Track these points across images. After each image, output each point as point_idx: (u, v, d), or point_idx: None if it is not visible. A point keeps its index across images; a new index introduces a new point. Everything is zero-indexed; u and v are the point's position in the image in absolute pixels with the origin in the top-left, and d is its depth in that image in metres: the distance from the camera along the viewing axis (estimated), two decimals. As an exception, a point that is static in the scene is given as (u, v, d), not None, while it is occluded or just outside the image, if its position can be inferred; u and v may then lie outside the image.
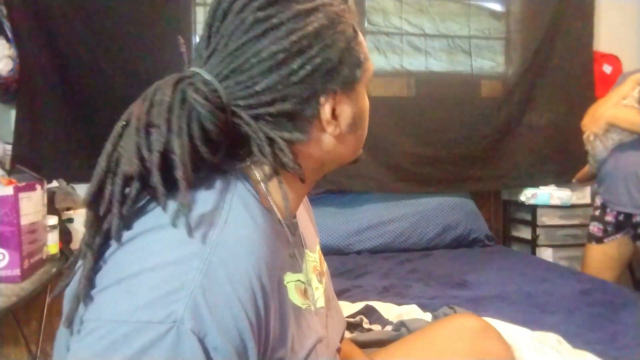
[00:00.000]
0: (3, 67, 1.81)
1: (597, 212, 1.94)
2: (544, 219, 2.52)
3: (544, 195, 2.45)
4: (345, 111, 0.58)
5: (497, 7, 2.67)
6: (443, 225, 2.34)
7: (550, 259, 2.47)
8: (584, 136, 1.88)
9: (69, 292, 0.49)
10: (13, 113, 2.00)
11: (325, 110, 0.56)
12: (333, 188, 2.38)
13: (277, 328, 0.51)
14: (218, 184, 0.53)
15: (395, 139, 2.45)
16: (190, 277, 0.43)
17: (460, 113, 2.56)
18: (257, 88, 0.52)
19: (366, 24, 2.51)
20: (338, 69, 0.55)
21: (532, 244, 2.55)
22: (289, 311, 0.54)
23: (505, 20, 2.69)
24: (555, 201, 2.45)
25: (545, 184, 2.52)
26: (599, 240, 1.92)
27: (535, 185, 2.50)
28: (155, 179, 0.48)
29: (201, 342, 0.41)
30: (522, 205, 2.58)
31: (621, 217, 1.84)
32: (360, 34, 0.60)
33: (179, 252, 0.45)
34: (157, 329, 0.41)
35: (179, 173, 0.48)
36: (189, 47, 0.61)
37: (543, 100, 2.59)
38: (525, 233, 2.65)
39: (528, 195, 2.50)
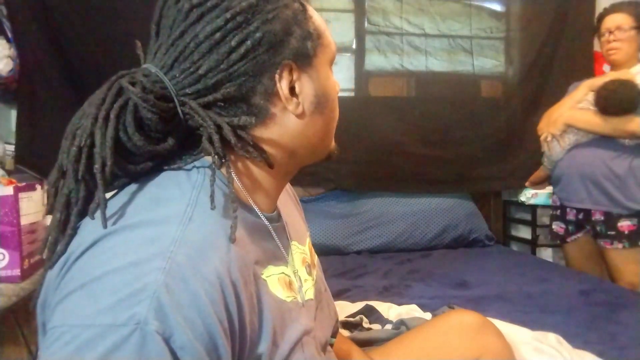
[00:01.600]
0: (3, 67, 1.82)
1: (558, 212, 1.98)
2: (544, 219, 2.51)
3: (544, 195, 2.45)
4: (307, 88, 0.57)
5: (498, 7, 2.67)
6: (443, 225, 2.34)
7: (550, 259, 2.47)
8: (541, 138, 1.95)
9: (39, 302, 0.50)
10: (13, 113, 2.00)
11: (283, 86, 0.55)
12: (333, 188, 2.38)
13: (255, 323, 0.51)
14: (183, 179, 0.53)
15: (395, 138, 2.45)
16: (152, 277, 0.42)
17: (461, 113, 2.56)
18: (200, 72, 0.51)
19: (366, 24, 2.51)
20: (284, 42, 0.54)
21: (532, 244, 2.56)
22: (269, 305, 0.53)
23: (505, 20, 2.69)
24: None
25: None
26: (563, 239, 1.97)
27: (546, 184, 2.50)
28: (72, 178, 0.50)
29: (167, 342, 0.41)
30: (522, 205, 2.58)
31: (580, 216, 1.87)
32: (310, 8, 0.59)
33: (141, 253, 0.44)
34: (121, 331, 0.40)
35: (96, 167, 0.48)
36: None
37: (543, 100, 2.59)
38: (525, 233, 2.65)
39: (528, 195, 2.50)
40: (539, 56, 2.59)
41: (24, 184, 1.20)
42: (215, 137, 0.51)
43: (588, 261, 1.92)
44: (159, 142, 0.52)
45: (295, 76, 0.56)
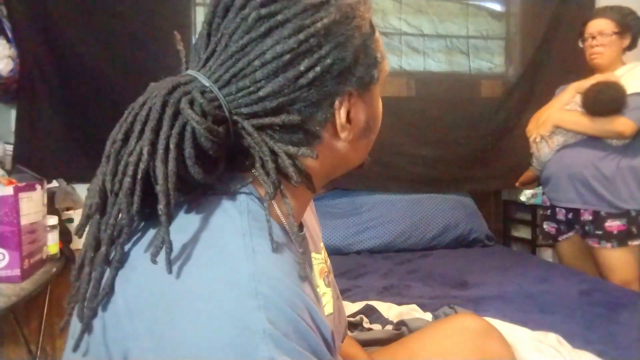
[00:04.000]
0: (3, 67, 1.82)
1: (548, 212, 2.01)
2: (544, 219, 2.52)
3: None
4: (360, 114, 0.54)
5: (497, 7, 2.68)
6: (443, 225, 2.34)
7: (550, 259, 2.47)
8: (530, 139, 1.98)
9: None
10: (13, 113, 2.00)
11: (341, 114, 0.51)
12: (333, 188, 2.38)
13: None
14: (229, 205, 0.48)
15: (394, 139, 2.45)
16: (254, 318, 0.40)
17: (460, 113, 2.56)
18: (262, 93, 0.47)
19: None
20: (352, 70, 0.50)
21: (532, 244, 2.56)
22: None
23: (505, 21, 2.69)
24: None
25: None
26: (554, 238, 2.00)
27: (535, 185, 2.50)
28: (126, 213, 0.45)
29: None
30: (522, 205, 2.57)
31: (570, 216, 1.90)
32: (377, 30, 0.54)
33: (228, 301, 0.41)
34: None
35: (160, 207, 0.44)
36: (187, 48, 0.58)
37: (542, 100, 2.58)
38: (525, 233, 2.65)
39: (528, 195, 2.50)
40: (537, 56, 2.59)
41: (24, 184, 1.20)
42: (272, 166, 0.48)
43: (580, 260, 1.94)
44: (211, 170, 0.48)
45: (352, 102, 0.52)
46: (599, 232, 1.80)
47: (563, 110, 1.88)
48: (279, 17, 0.47)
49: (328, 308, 0.65)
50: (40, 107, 2.02)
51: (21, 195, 1.15)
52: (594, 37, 1.82)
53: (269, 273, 0.43)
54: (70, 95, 2.07)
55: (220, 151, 0.48)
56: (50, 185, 1.72)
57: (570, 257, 1.98)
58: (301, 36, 0.47)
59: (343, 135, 0.53)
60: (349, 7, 0.50)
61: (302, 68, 0.47)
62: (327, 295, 0.66)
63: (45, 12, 2.01)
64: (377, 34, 0.54)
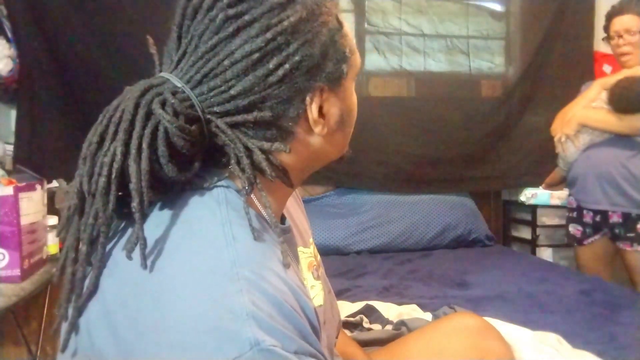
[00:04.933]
0: (3, 67, 1.81)
1: (574, 214, 1.95)
2: (544, 219, 2.52)
3: (544, 195, 2.45)
4: (333, 108, 0.55)
5: (497, 7, 2.68)
6: (443, 225, 2.34)
7: (550, 259, 2.47)
8: (555, 139, 1.92)
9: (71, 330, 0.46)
10: (13, 113, 2.00)
11: (313, 110, 0.52)
12: (333, 187, 2.38)
13: None
14: (207, 198, 0.50)
15: (395, 139, 2.46)
16: (236, 301, 0.41)
17: (460, 113, 2.56)
18: (233, 92, 0.48)
19: (365, 25, 2.51)
20: (321, 65, 0.51)
21: (532, 244, 2.56)
22: None
23: (505, 21, 2.69)
24: (555, 201, 2.45)
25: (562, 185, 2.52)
26: (580, 241, 1.93)
27: (535, 185, 2.50)
28: (102, 212, 0.46)
29: (285, 350, 0.40)
30: (522, 205, 2.58)
31: (598, 218, 1.84)
32: (345, 24, 0.55)
33: (210, 287, 0.42)
34: None
35: (133, 205, 0.45)
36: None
37: (543, 100, 2.59)
38: (525, 233, 2.65)
39: (528, 195, 2.50)
40: (538, 56, 2.59)
41: (24, 184, 1.20)
42: (247, 162, 0.49)
43: (599, 265, 1.88)
44: (186, 168, 0.49)
45: (324, 97, 0.53)
46: (631, 235, 1.73)
47: (588, 108, 1.82)
48: (246, 17, 0.48)
49: (318, 300, 0.66)
50: (40, 107, 2.02)
51: (21, 195, 1.15)
52: (620, 36, 1.76)
53: (250, 258, 0.44)
54: (70, 95, 2.07)
55: (194, 149, 0.49)
56: (50, 185, 1.72)
57: (590, 260, 1.91)
58: (269, 35, 0.48)
59: (317, 129, 0.54)
60: (315, 4, 0.51)
61: (271, 66, 0.48)
62: (316, 288, 0.66)
63: (45, 12, 2.01)
64: (345, 28, 0.55)
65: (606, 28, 1.84)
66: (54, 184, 1.78)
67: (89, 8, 2.08)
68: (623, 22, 1.76)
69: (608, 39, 1.84)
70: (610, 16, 1.83)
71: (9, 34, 1.88)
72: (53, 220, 1.36)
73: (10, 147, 1.92)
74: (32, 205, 1.20)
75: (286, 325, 0.42)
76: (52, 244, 1.35)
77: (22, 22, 1.93)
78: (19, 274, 1.12)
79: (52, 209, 1.47)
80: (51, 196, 1.59)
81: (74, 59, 2.07)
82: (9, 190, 1.13)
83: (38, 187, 1.25)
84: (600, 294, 1.52)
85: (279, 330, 0.41)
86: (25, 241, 1.16)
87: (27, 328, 1.23)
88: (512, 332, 1.13)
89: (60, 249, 1.36)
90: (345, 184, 2.39)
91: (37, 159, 1.94)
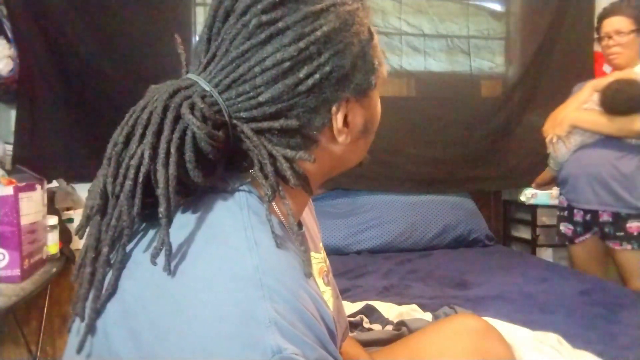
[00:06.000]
0: (3, 67, 1.82)
1: (565, 213, 1.97)
2: (544, 219, 2.52)
3: (544, 195, 2.45)
4: (358, 118, 0.55)
5: (497, 7, 2.68)
6: (443, 225, 2.34)
7: (550, 259, 2.47)
8: (547, 140, 1.93)
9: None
10: (13, 113, 2.00)
11: (338, 119, 0.52)
12: (333, 188, 2.38)
13: None
14: (229, 202, 0.49)
15: (395, 139, 2.45)
16: (259, 308, 0.41)
17: (460, 113, 2.56)
18: (261, 99, 0.48)
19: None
20: (350, 77, 0.51)
21: (532, 244, 2.56)
22: None
23: (505, 20, 2.69)
24: (555, 201, 2.44)
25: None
26: (571, 240, 1.95)
27: (552, 186, 2.49)
28: (127, 215, 0.45)
29: (307, 359, 0.40)
30: (522, 205, 2.58)
31: (588, 217, 1.86)
32: (376, 36, 0.55)
33: (234, 292, 0.42)
34: None
35: (160, 210, 0.45)
36: (188, 48, 0.58)
37: (543, 100, 2.59)
38: (525, 233, 2.65)
39: (528, 195, 2.50)
40: (538, 56, 2.60)
41: (24, 184, 1.20)
42: (270, 170, 0.48)
43: (593, 263, 1.90)
44: (210, 173, 0.49)
45: (349, 106, 0.53)
46: (620, 234, 1.75)
47: (580, 110, 1.83)
48: (280, 25, 0.47)
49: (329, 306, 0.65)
50: (40, 107, 2.02)
51: (21, 195, 1.15)
52: (610, 37, 1.77)
53: (272, 265, 0.44)
54: (70, 95, 2.08)
55: (219, 155, 0.48)
56: (50, 185, 1.72)
57: (583, 260, 1.93)
58: (301, 44, 0.47)
59: (340, 139, 0.53)
60: (348, 14, 0.50)
61: (301, 75, 0.48)
62: (326, 294, 0.66)
63: (45, 12, 2.01)
64: (375, 39, 0.54)
65: (597, 29, 1.85)
66: (54, 184, 1.78)
67: (90, 8, 2.08)
68: (613, 23, 1.77)
69: (599, 40, 1.85)
70: (601, 18, 1.84)
71: (9, 34, 1.88)
72: (53, 220, 1.36)
73: (10, 147, 1.92)
74: (32, 205, 1.20)
75: (307, 334, 0.42)
76: (52, 244, 1.35)
77: (22, 22, 1.94)
78: (19, 274, 1.12)
79: (52, 209, 1.47)
80: (51, 196, 1.59)
81: (74, 59, 2.07)
82: (9, 190, 1.13)
83: (38, 187, 1.25)
84: (600, 294, 1.52)
85: (301, 338, 0.41)
86: (25, 241, 1.16)
87: (27, 328, 1.23)
88: (512, 332, 1.13)
89: (61, 249, 1.36)
90: (345, 184, 2.39)
91: (37, 159, 1.94)
